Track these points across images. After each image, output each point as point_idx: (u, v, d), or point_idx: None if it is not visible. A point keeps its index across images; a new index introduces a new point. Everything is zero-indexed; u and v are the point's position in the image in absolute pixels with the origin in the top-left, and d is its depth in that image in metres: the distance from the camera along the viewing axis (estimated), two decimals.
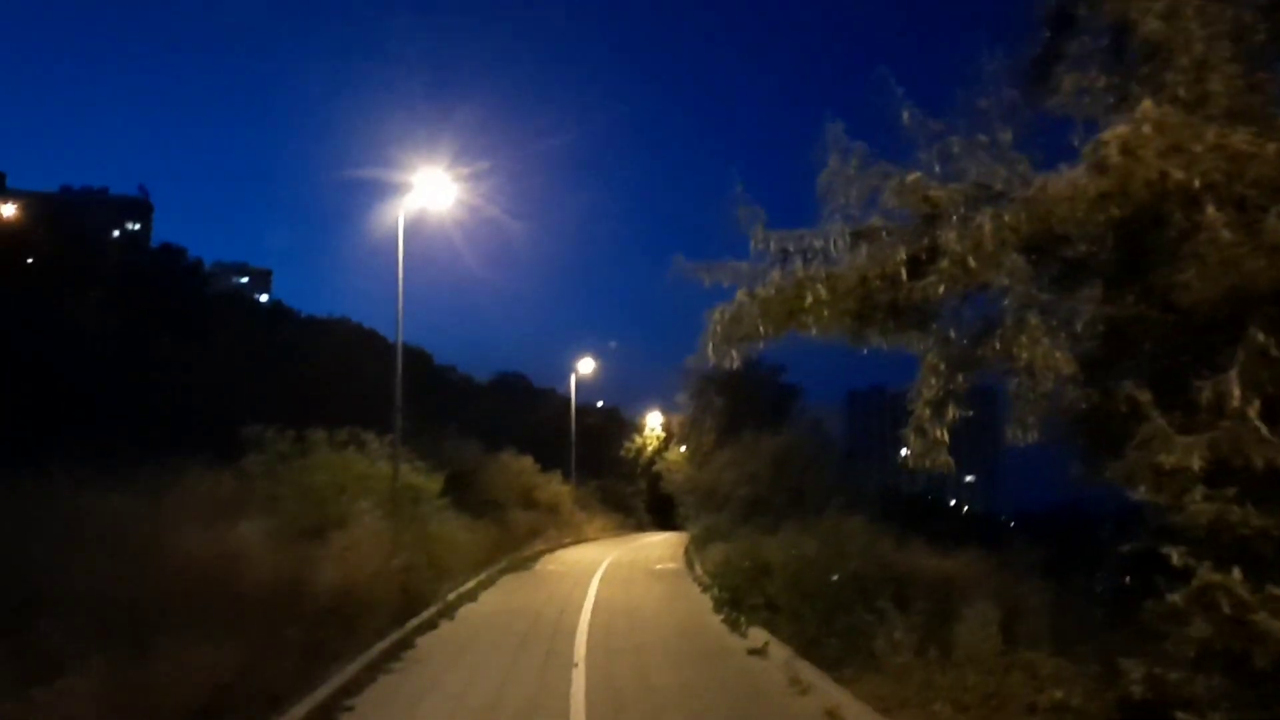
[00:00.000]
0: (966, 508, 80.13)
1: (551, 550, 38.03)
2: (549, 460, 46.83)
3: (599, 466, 63.04)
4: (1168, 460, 6.24)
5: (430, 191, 23.27)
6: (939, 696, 9.43)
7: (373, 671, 13.00)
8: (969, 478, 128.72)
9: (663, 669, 13.59)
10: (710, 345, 8.90)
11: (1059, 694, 7.93)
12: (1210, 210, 6.02)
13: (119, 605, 10.85)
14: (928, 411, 7.97)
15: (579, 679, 12.76)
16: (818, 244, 8.37)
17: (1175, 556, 6.26)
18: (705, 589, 22.74)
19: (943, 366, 8.00)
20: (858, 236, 8.19)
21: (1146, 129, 6.07)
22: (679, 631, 17.23)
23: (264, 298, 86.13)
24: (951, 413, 8.00)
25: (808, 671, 12.17)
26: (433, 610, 18.28)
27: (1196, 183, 6.03)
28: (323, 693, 11.10)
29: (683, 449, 47.27)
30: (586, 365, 56.73)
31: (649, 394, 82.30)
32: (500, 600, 22.31)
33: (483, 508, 31.50)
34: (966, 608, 10.42)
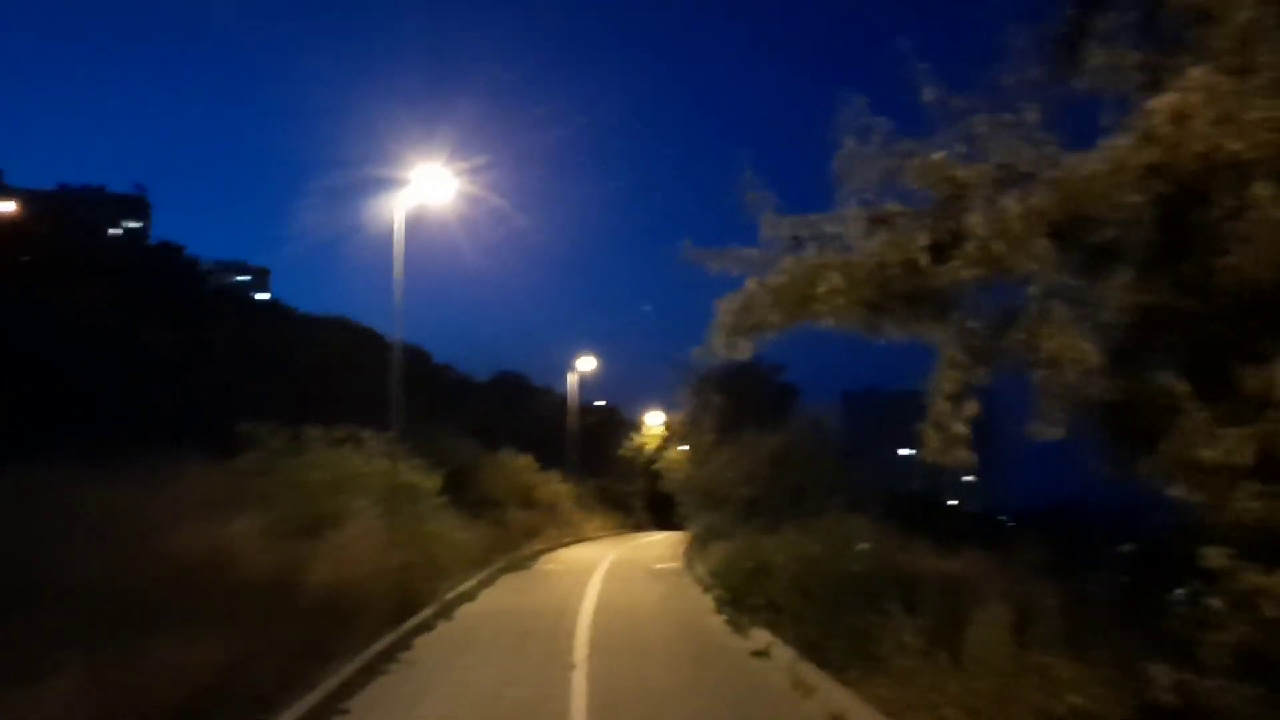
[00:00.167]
0: (964, 506, 79.76)
1: (550, 549, 37.80)
2: (548, 459, 46.66)
3: (598, 465, 62.83)
4: (1209, 455, 5.92)
5: (429, 187, 23.00)
6: (948, 701, 9.12)
7: (368, 673, 12.72)
8: (966, 476, 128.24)
9: (663, 670, 13.34)
10: (719, 336, 8.56)
11: (1077, 699, 7.60)
12: (1260, 186, 5.68)
13: (106, 602, 10.61)
14: (946, 405, 7.64)
15: (579, 681, 12.52)
16: (832, 229, 8.02)
17: (1217, 558, 5.93)
18: (706, 589, 22.51)
19: (962, 358, 7.66)
20: (874, 221, 7.82)
21: (1197, 97, 5.74)
22: (680, 632, 16.98)
23: (262, 296, 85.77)
24: (972, 407, 7.67)
25: (811, 674, 11.88)
26: (430, 610, 18.02)
27: (1250, 155, 5.69)
28: (316, 695, 10.82)
29: (682, 448, 47.04)
30: (586, 363, 56.57)
31: (648, 393, 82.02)
32: (499, 600, 22.07)
33: (481, 506, 31.27)
34: (975, 609, 10.11)
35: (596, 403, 75.31)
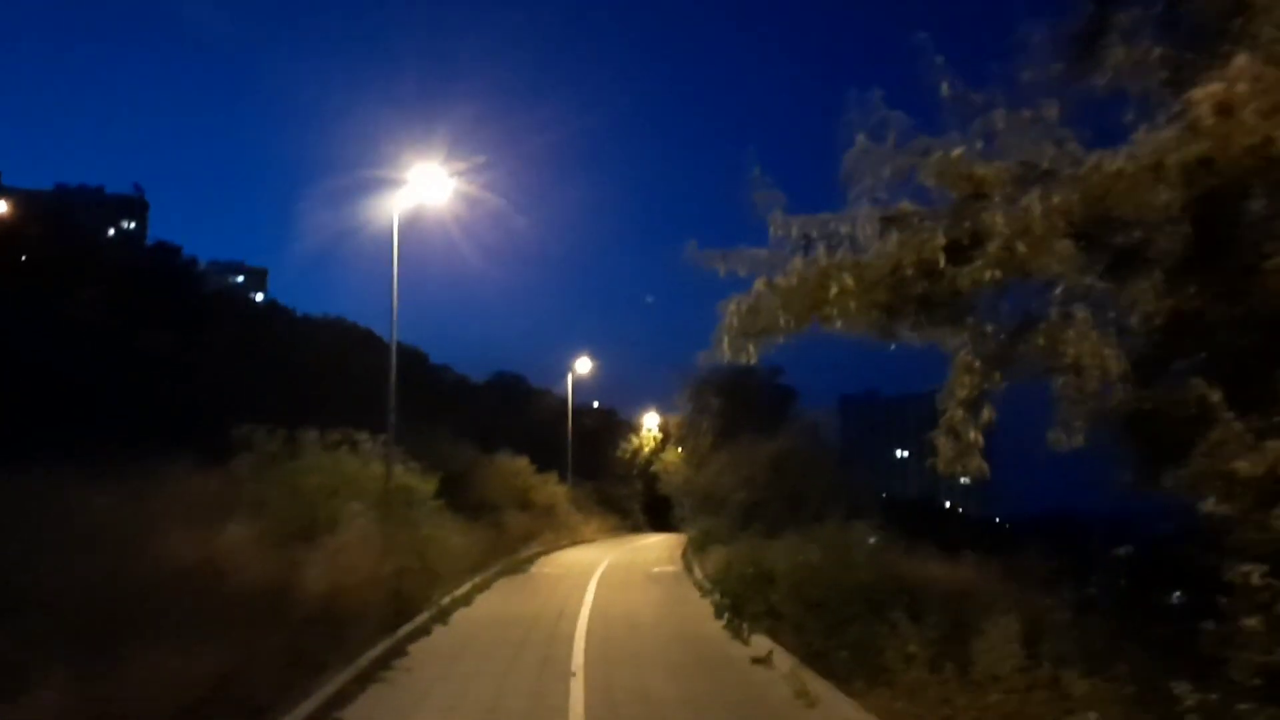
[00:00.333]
0: (960, 511, 79.72)
1: (548, 552, 37.63)
2: (545, 461, 46.48)
3: (596, 468, 62.69)
4: (1245, 468, 5.67)
5: (426, 188, 22.86)
6: (957, 715, 8.93)
7: (362, 681, 12.48)
8: (964, 480, 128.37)
9: (663, 679, 13.13)
10: (725, 339, 8.29)
11: (1093, 716, 7.37)
12: None
13: (95, 610, 10.38)
14: (960, 412, 7.40)
15: (577, 689, 12.30)
16: (844, 229, 7.73)
17: (1252, 575, 5.68)
18: (704, 594, 22.35)
19: (978, 364, 7.41)
20: (888, 221, 7.55)
21: (1243, 87, 5.49)
22: (679, 639, 16.77)
23: (260, 297, 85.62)
24: (987, 414, 7.43)
25: (815, 683, 11.67)
26: (426, 616, 17.79)
27: None
28: (310, 704, 10.59)
29: (679, 450, 46.93)
30: (584, 365, 56.40)
31: (646, 395, 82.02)
32: (496, 605, 21.86)
33: (478, 509, 31.09)
34: (983, 620, 9.89)
35: (594, 405, 75.20)
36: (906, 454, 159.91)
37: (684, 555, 34.06)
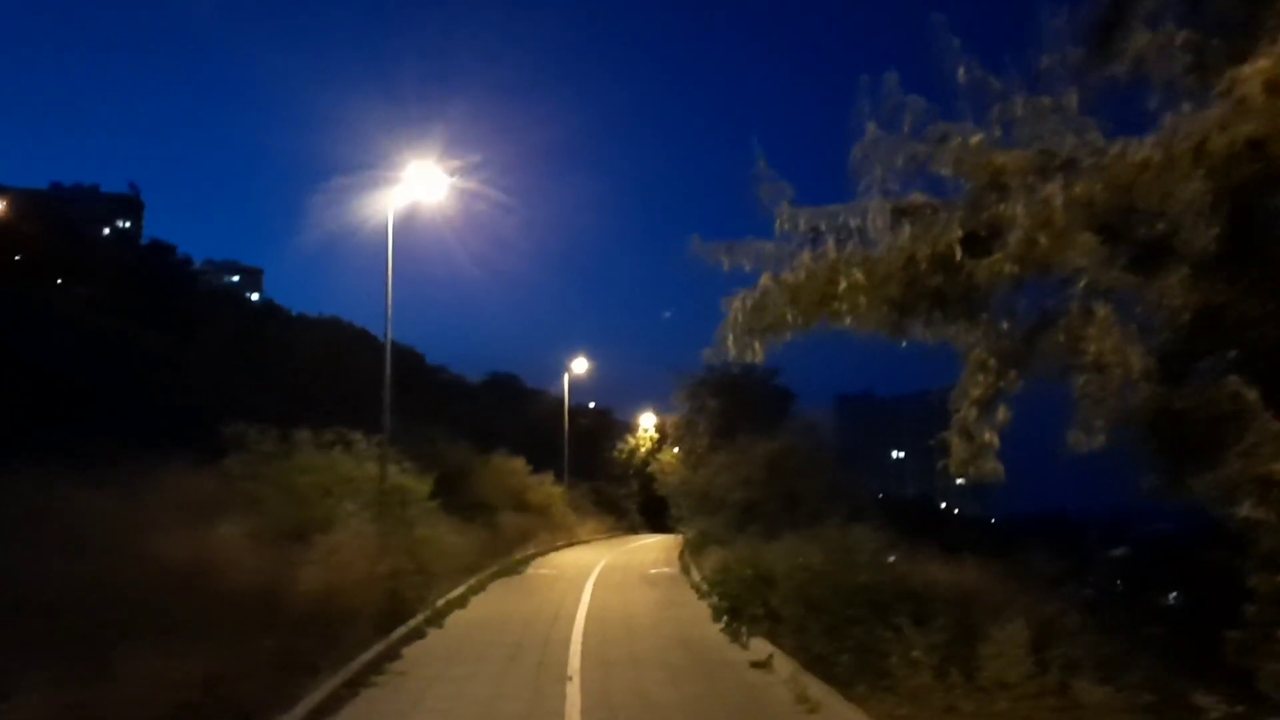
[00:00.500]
0: (956, 511, 79.56)
1: (544, 553, 37.44)
2: (541, 462, 46.31)
3: (592, 468, 62.56)
4: None
5: (422, 185, 22.62)
6: None
7: (354, 685, 12.25)
8: (960, 481, 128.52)
9: (661, 683, 12.93)
10: (730, 337, 8.00)
11: None
12: None
13: (83, 612, 10.19)
14: (974, 412, 7.15)
15: (573, 694, 12.11)
16: (854, 222, 7.43)
17: None
18: (702, 596, 22.18)
19: (993, 362, 7.15)
20: (900, 213, 7.27)
21: None
22: (677, 641, 16.56)
23: (255, 296, 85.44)
24: (1002, 414, 7.18)
25: (815, 688, 11.45)
26: (420, 618, 17.58)
27: None
28: (301, 709, 10.37)
29: (676, 450, 46.73)
30: (580, 365, 56.21)
31: (643, 396, 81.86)
32: (491, 607, 21.64)
33: (473, 510, 30.86)
34: (990, 624, 9.66)
35: (591, 405, 75.06)
36: (902, 455, 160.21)
37: (681, 556, 33.87)
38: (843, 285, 7.35)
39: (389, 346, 22.39)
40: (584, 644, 15.87)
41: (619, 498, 64.92)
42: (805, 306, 7.58)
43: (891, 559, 15.72)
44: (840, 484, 32.71)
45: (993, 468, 7.31)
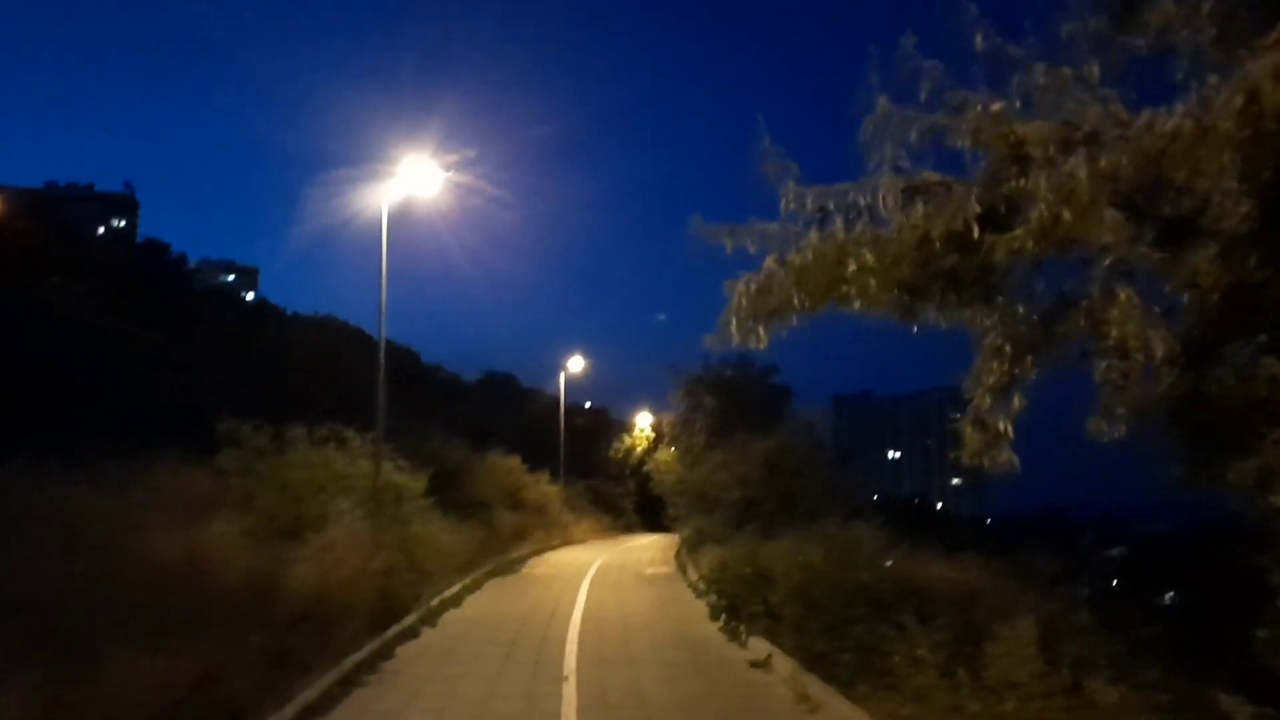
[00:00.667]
0: (951, 510, 79.55)
1: (539, 552, 37.25)
2: (537, 460, 46.17)
3: (588, 467, 62.41)
4: None
5: (417, 182, 22.42)
6: None
7: (346, 684, 12.07)
8: (955, 480, 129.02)
9: (659, 682, 12.73)
10: (733, 322, 7.70)
11: None
12: None
13: (70, 611, 10.01)
14: (988, 400, 6.90)
15: (569, 693, 11.91)
16: (863, 200, 7.14)
17: None
18: (699, 595, 21.97)
19: (1008, 348, 6.90)
20: (912, 191, 6.99)
21: None
22: (675, 641, 16.36)
23: (251, 296, 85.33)
24: (1018, 402, 6.93)
25: (816, 687, 11.25)
26: (414, 617, 17.38)
27: None
28: (291, 708, 10.19)
29: (672, 449, 46.58)
30: (576, 364, 56.06)
31: (638, 394, 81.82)
32: (486, 605, 21.42)
33: (468, 508, 30.72)
34: (996, 623, 9.45)
35: (587, 404, 74.92)
36: (898, 455, 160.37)
37: (677, 556, 33.69)
38: (852, 267, 7.08)
39: (383, 342, 22.20)
40: (580, 643, 15.69)
41: (615, 497, 64.74)
42: (812, 289, 7.29)
43: (889, 563, 15.53)
44: (838, 483, 32.62)
45: (1007, 458, 7.06)
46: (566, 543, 44.30)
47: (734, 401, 37.30)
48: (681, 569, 29.72)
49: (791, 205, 7.46)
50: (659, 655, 14.80)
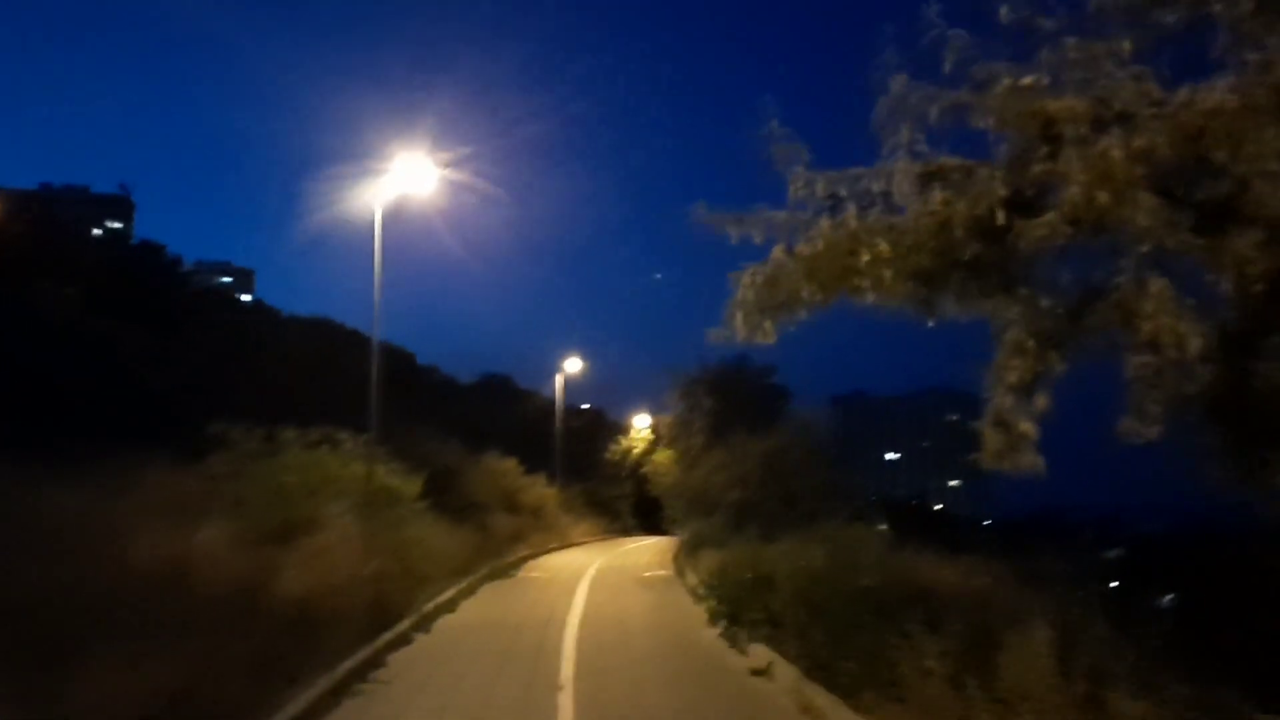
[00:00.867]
0: (950, 511, 79.28)
1: (536, 556, 36.93)
2: (533, 462, 45.92)
3: (584, 469, 62.12)
4: None
5: (412, 178, 22.15)
6: None
7: (336, 694, 11.70)
8: (953, 481, 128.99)
9: (658, 691, 12.41)
10: (739, 315, 7.32)
11: None
12: None
13: (44, 620, 9.62)
14: (1009, 400, 6.54)
15: (566, 702, 11.61)
16: (877, 187, 6.77)
17: None
18: (698, 599, 21.64)
19: (1031, 343, 6.51)
20: (929, 176, 6.61)
21: None
22: (673, 647, 16.05)
23: (246, 297, 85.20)
24: (1041, 401, 6.56)
25: (820, 697, 10.90)
26: (407, 623, 17.03)
27: None
28: None
29: (670, 451, 46.34)
30: (573, 365, 55.86)
31: (636, 396, 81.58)
32: (481, 611, 21.10)
33: (464, 511, 30.41)
34: (1007, 630, 9.08)
35: (583, 406, 74.64)
36: (897, 456, 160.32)
37: (676, 559, 33.36)
38: (865, 257, 6.69)
39: (376, 343, 21.94)
40: (577, 650, 15.35)
41: (612, 499, 64.47)
42: (823, 280, 6.88)
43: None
44: (837, 483, 32.32)
45: (1031, 460, 6.68)
46: (564, 546, 43.99)
47: (732, 402, 37.10)
48: (680, 573, 29.38)
49: (801, 192, 7.07)
50: (657, 663, 14.48)
